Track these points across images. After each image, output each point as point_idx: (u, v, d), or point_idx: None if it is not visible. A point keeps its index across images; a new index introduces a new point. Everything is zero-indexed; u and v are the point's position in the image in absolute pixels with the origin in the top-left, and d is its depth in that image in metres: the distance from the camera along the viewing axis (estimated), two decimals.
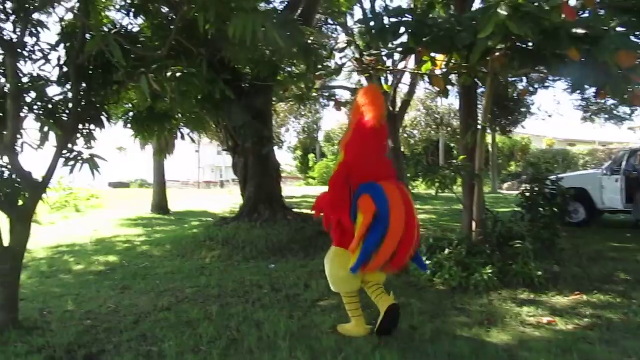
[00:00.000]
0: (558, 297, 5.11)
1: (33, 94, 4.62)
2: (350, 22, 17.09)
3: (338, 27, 18.04)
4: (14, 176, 4.52)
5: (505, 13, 4.34)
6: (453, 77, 7.44)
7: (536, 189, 6.82)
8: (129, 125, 6.33)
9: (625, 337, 3.93)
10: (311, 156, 41.32)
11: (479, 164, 6.22)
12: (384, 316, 3.90)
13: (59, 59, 4.71)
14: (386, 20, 5.42)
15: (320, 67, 7.54)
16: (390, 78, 20.40)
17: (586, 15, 5.65)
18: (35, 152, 4.60)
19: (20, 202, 4.56)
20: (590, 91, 13.66)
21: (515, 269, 5.57)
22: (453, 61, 6.13)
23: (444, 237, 6.56)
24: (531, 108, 19.77)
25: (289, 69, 8.83)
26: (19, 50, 4.49)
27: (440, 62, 6.12)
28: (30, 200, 4.50)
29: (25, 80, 4.60)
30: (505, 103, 17.30)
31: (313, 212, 4.61)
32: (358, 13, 33.93)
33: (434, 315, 4.57)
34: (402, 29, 5.36)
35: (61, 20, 4.51)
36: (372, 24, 5.55)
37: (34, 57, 4.68)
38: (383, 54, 7.12)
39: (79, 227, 12.45)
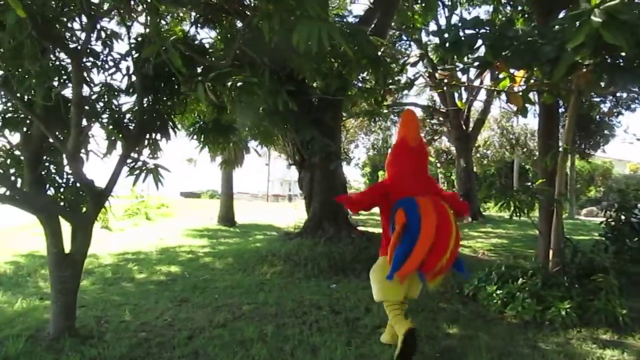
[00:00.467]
0: None
1: (101, 103, 4.68)
2: (424, 39, 16.68)
3: (412, 44, 17.67)
4: (77, 184, 4.56)
5: (600, 20, 3.84)
6: (532, 95, 6.95)
7: (623, 217, 6.32)
8: (194, 137, 6.32)
9: None
10: (380, 173, 40.83)
11: (559, 188, 5.75)
12: (402, 344, 3.83)
13: (127, 69, 4.75)
14: (462, 32, 5.07)
15: (390, 81, 7.28)
16: (465, 94, 19.78)
17: None
18: (102, 161, 4.64)
19: (83, 210, 4.60)
20: None
21: (596, 305, 5.08)
22: (534, 78, 5.68)
23: (517, 265, 6.13)
24: (615, 130, 18.22)
25: (359, 84, 8.64)
26: (92, 60, 4.57)
27: (520, 78, 5.69)
28: (92, 208, 4.50)
29: (96, 89, 4.67)
30: (586, 124, 16.17)
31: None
32: (433, 28, 33.35)
33: (504, 353, 4.18)
34: (479, 42, 4.98)
35: (128, 29, 4.51)
36: (446, 35, 5.20)
37: (106, 66, 4.74)
38: (458, 68, 6.76)
39: (147, 235, 12.80)
